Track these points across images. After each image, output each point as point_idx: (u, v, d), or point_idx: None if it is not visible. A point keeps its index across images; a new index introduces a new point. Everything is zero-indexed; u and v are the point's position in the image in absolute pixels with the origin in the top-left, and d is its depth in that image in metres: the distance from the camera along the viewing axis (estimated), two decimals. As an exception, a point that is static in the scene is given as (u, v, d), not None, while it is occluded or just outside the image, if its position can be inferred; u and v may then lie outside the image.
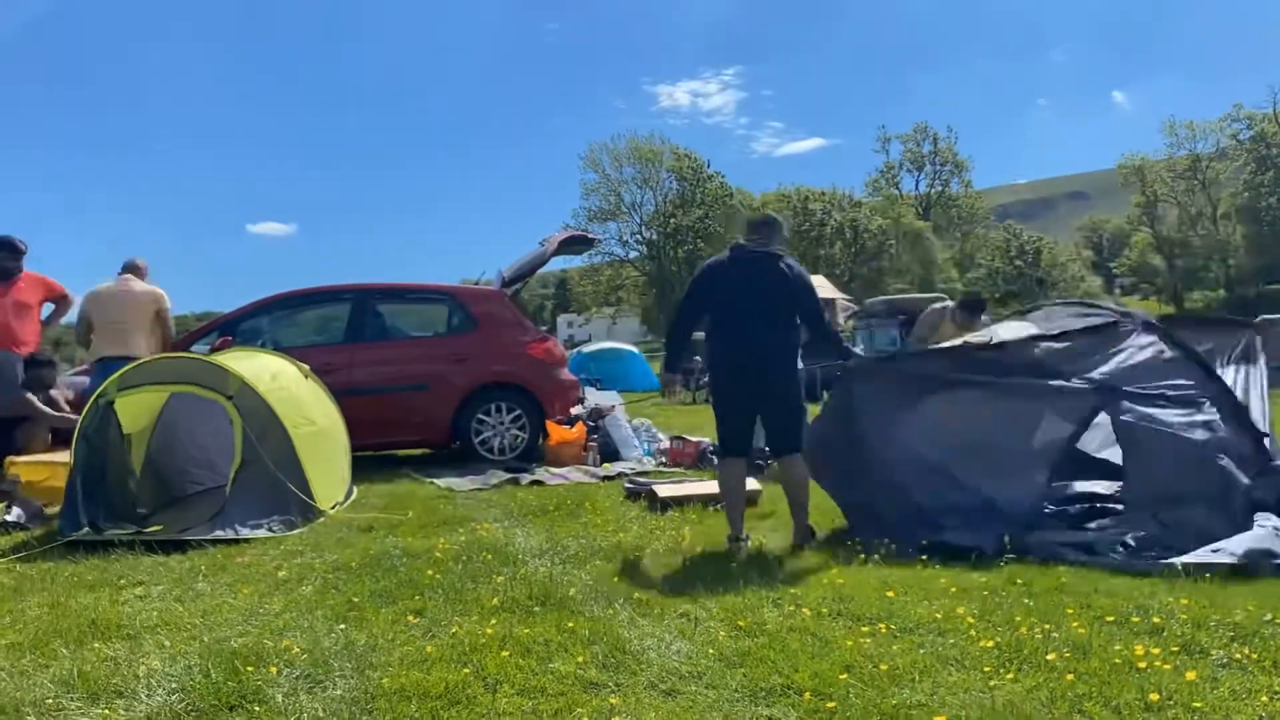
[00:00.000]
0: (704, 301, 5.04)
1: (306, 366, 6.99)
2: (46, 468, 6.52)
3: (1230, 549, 4.18)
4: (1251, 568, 4.06)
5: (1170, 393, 4.85)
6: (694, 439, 8.48)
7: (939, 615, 3.62)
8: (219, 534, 5.28)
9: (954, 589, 3.99)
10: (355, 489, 6.99)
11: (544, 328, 9.60)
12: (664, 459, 8.39)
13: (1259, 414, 5.00)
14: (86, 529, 5.23)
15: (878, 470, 5.06)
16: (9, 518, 5.94)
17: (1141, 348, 5.11)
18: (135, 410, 6.03)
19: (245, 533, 5.33)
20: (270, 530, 5.41)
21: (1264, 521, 4.47)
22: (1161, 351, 5.08)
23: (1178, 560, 4.16)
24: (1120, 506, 4.99)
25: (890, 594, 3.93)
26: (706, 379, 25.37)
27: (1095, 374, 4.98)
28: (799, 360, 5.12)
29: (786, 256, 5.00)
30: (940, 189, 67.54)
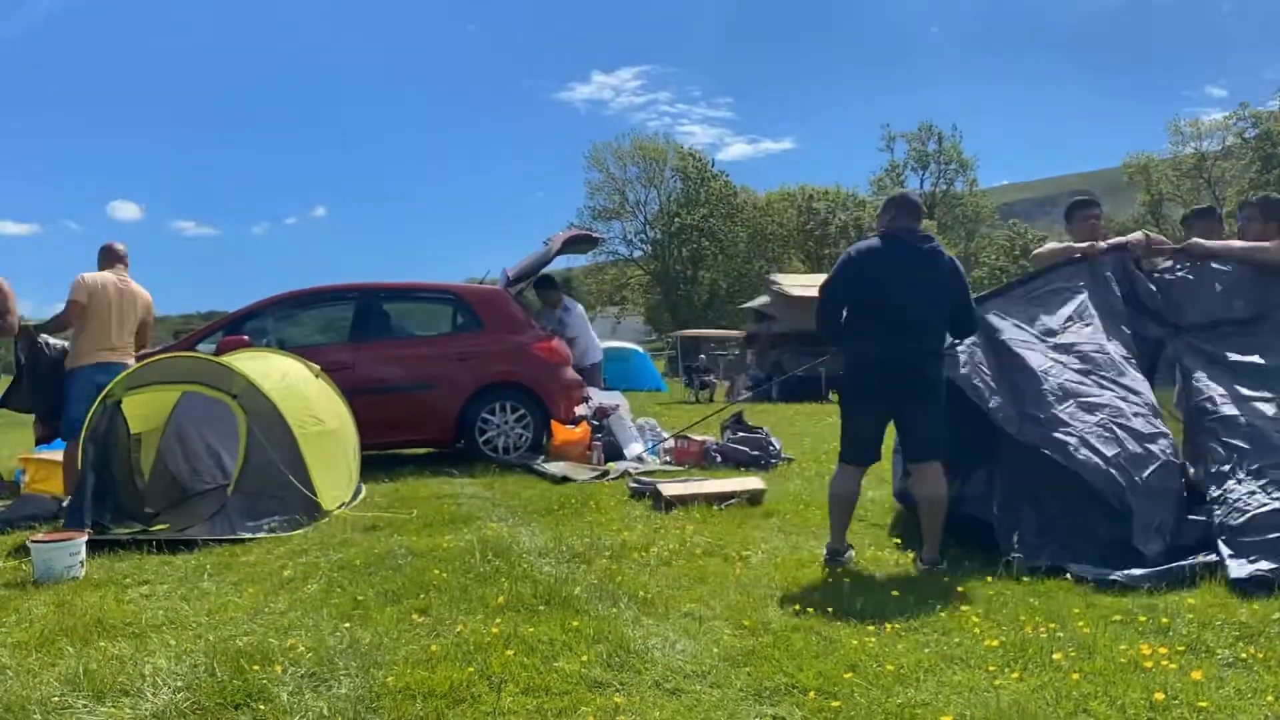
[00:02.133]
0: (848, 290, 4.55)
1: (318, 366, 7.00)
2: (57, 465, 6.53)
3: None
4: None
5: None
6: (698, 438, 8.48)
7: (944, 614, 3.62)
8: (218, 533, 5.26)
9: (959, 588, 3.98)
10: (364, 488, 7.00)
11: (547, 327, 9.59)
12: (669, 458, 8.38)
13: None
14: (89, 529, 5.23)
15: None
16: (8, 515, 5.96)
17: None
18: (145, 409, 6.04)
19: (244, 532, 5.32)
20: (270, 530, 5.40)
21: None
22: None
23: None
24: None
25: (895, 593, 3.92)
26: (709, 378, 24.97)
27: None
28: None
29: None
30: (945, 188, 67.42)
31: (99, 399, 5.64)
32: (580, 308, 10.52)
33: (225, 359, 6.14)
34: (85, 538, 4.77)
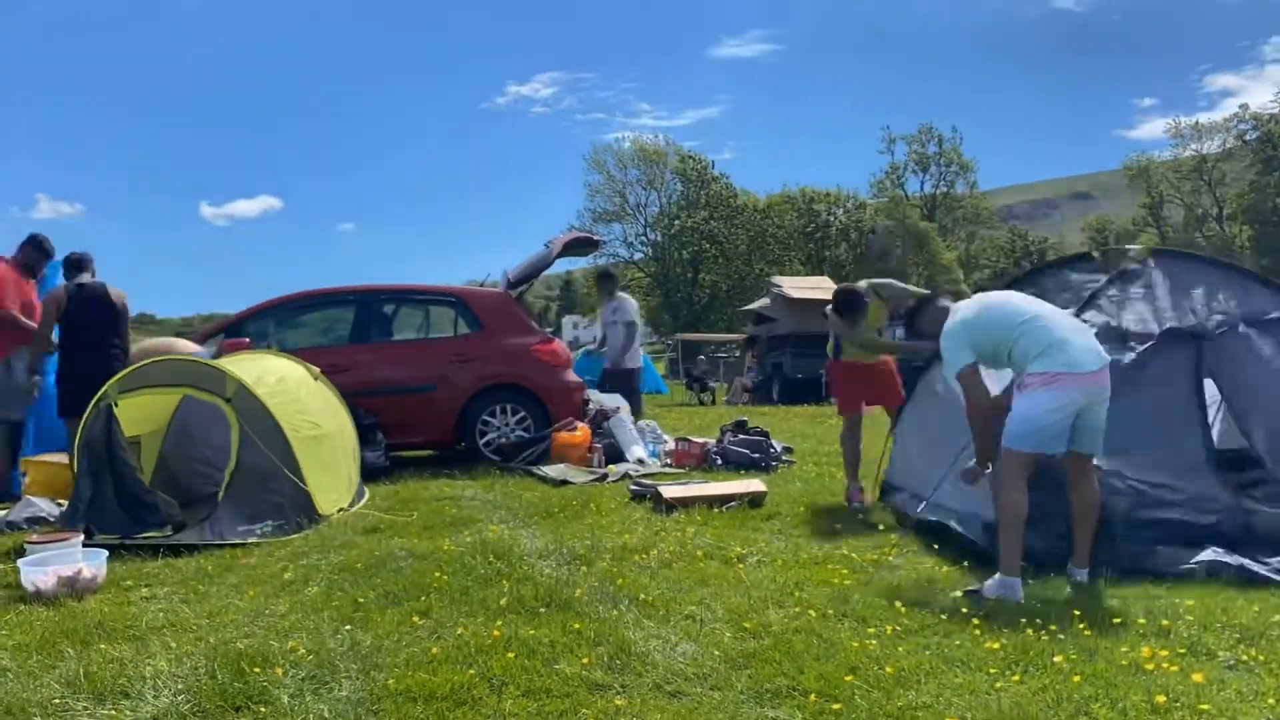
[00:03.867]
0: None
1: (317, 369, 6.99)
2: (56, 468, 6.52)
3: None
4: None
5: None
6: (699, 440, 8.48)
7: (944, 616, 3.62)
8: (208, 538, 5.21)
9: (959, 591, 3.98)
10: (366, 490, 6.99)
11: (549, 329, 9.59)
12: (669, 460, 8.38)
13: None
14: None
15: None
16: (11, 518, 5.95)
17: None
18: (144, 413, 6.02)
19: (236, 537, 5.26)
20: (261, 534, 5.35)
21: None
22: None
23: None
24: None
25: (895, 595, 3.92)
26: (710, 383, 25.04)
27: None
28: None
29: None
30: (945, 190, 67.47)
31: (93, 402, 5.60)
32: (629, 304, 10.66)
33: (219, 362, 6.13)
34: (80, 538, 4.77)
